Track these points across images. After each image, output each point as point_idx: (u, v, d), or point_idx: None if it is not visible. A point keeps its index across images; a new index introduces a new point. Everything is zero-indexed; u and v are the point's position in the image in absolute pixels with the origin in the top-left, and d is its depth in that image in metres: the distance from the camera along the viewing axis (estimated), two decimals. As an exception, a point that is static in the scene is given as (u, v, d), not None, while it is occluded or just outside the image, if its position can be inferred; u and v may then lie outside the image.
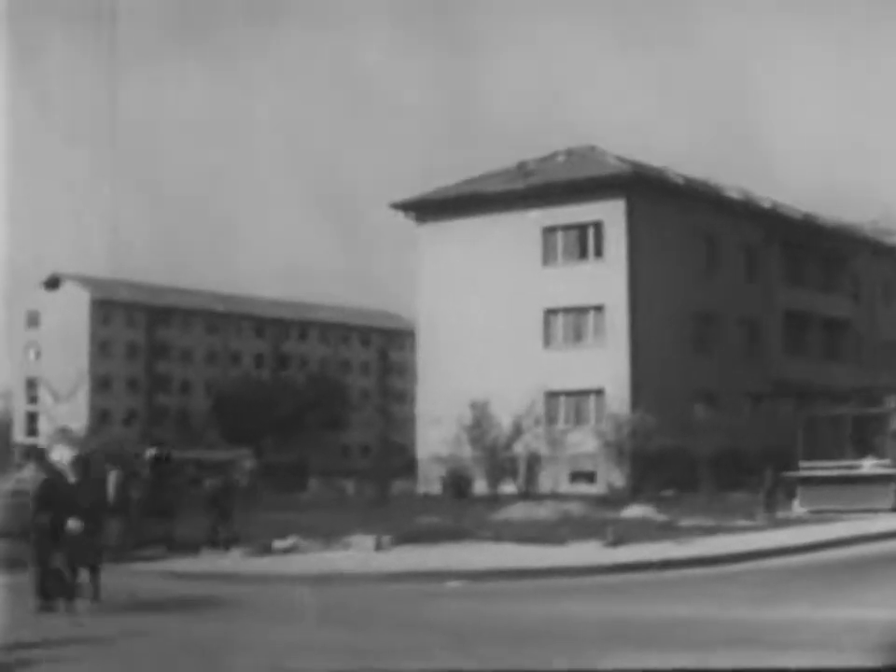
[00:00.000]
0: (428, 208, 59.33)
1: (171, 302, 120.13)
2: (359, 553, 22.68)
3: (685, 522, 30.52)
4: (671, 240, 55.76)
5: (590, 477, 52.84)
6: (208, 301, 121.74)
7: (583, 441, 50.99)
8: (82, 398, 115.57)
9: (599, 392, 54.04)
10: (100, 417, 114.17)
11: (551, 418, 54.81)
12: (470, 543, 24.44)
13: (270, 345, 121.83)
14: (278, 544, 23.47)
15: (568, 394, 54.88)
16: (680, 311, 56.07)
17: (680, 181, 58.64)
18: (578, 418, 54.58)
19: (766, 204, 64.33)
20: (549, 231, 55.86)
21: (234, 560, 22.45)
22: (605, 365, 53.70)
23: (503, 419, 49.03)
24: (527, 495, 43.73)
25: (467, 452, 50.10)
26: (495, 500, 42.44)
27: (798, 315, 64.32)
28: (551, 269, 55.81)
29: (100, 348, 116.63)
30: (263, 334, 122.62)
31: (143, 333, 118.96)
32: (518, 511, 31.97)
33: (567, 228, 55.46)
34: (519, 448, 48.68)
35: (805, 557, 23.50)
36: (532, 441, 47.05)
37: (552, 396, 55.01)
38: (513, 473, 46.62)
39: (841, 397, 38.54)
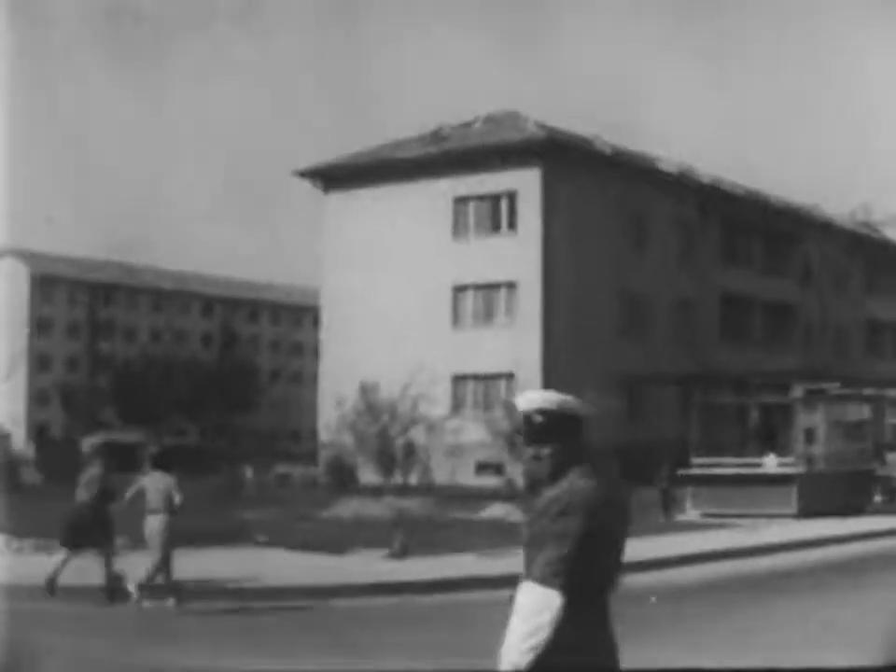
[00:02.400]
0: (335, 176, 54.97)
1: (115, 279, 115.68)
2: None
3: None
4: (595, 214, 51.46)
5: (498, 468, 48.60)
6: (155, 279, 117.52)
7: (472, 429, 46.75)
8: (21, 377, 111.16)
9: (510, 376, 49.79)
10: (38, 398, 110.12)
11: (458, 403, 50.70)
12: (233, 548, 20.18)
13: (218, 326, 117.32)
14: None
15: (477, 378, 50.64)
16: (603, 290, 51.80)
17: (608, 150, 54.27)
18: (486, 404, 50.34)
19: (705, 179, 60.02)
20: (460, 202, 51.54)
21: None
22: (516, 347, 49.44)
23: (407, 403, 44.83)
24: (406, 487, 39.39)
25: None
26: (378, 491, 38.30)
27: (737, 298, 60.09)
28: (461, 242, 51.51)
29: (40, 326, 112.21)
30: (212, 314, 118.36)
31: (85, 311, 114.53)
32: (349, 508, 27.66)
33: (479, 198, 51.13)
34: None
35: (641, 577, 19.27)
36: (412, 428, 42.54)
37: (459, 379, 50.84)
38: (393, 463, 42.29)
39: (749, 383, 34.13)
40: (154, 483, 14.47)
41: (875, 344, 71.17)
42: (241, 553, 19.84)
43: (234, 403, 75.72)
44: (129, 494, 14.84)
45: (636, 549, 20.35)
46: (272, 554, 19.63)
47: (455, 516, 28.04)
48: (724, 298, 59.15)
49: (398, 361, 50.00)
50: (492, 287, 50.57)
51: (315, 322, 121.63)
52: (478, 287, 50.87)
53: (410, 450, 42.42)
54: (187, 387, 71.37)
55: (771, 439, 32.10)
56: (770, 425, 32.50)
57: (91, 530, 15.02)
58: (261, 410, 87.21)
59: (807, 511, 30.26)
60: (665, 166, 57.30)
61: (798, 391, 31.89)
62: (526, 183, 49.76)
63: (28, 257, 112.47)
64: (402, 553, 19.08)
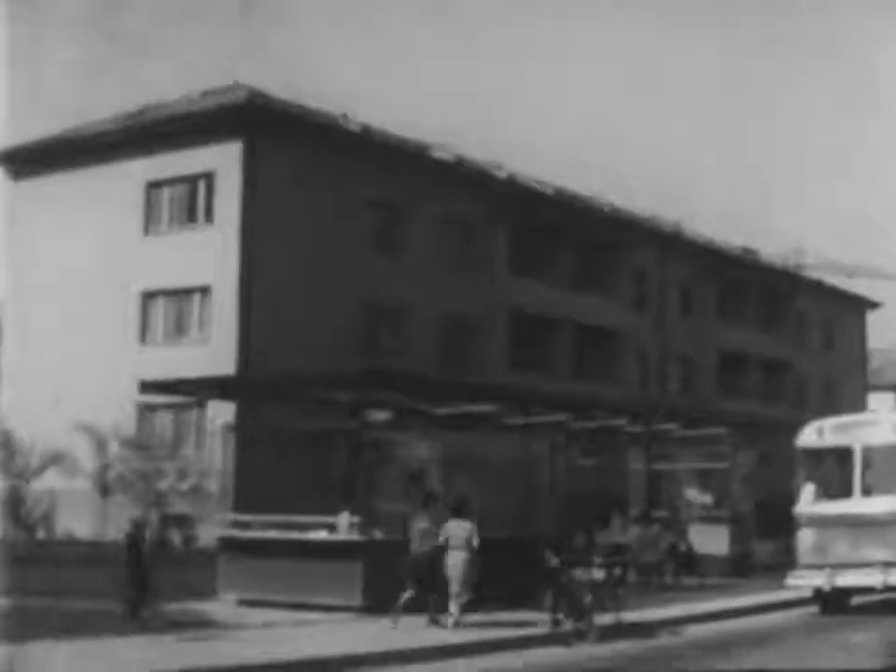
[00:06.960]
0: (27, 160, 44.98)
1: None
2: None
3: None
4: (326, 207, 41.46)
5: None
6: None
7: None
8: None
9: (202, 405, 39.62)
10: None
11: (143, 438, 40.51)
12: None
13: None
14: None
15: (165, 407, 40.45)
16: (338, 300, 41.71)
17: (354, 129, 44.32)
18: (176, 438, 40.33)
19: (499, 175, 50.08)
20: (154, 187, 41.57)
21: None
22: (209, 370, 39.23)
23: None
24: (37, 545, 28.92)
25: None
26: None
27: (537, 317, 50.16)
28: (153, 237, 41.48)
29: None
30: None
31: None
32: None
33: (174, 182, 41.12)
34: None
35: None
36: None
37: (146, 409, 40.69)
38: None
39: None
40: (456, 528, 18.64)
41: (729, 380, 61.06)
42: None
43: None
44: (441, 538, 18.68)
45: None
46: None
47: None
48: (517, 315, 49.10)
49: (81, 386, 40.29)
50: (185, 292, 40.48)
51: None
52: (169, 294, 40.77)
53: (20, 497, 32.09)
54: None
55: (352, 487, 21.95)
56: (360, 465, 22.29)
57: (430, 575, 18.51)
58: None
59: (383, 604, 19.91)
60: (438, 154, 47.42)
61: (383, 413, 21.71)
62: (226, 162, 39.77)
63: None
64: None
